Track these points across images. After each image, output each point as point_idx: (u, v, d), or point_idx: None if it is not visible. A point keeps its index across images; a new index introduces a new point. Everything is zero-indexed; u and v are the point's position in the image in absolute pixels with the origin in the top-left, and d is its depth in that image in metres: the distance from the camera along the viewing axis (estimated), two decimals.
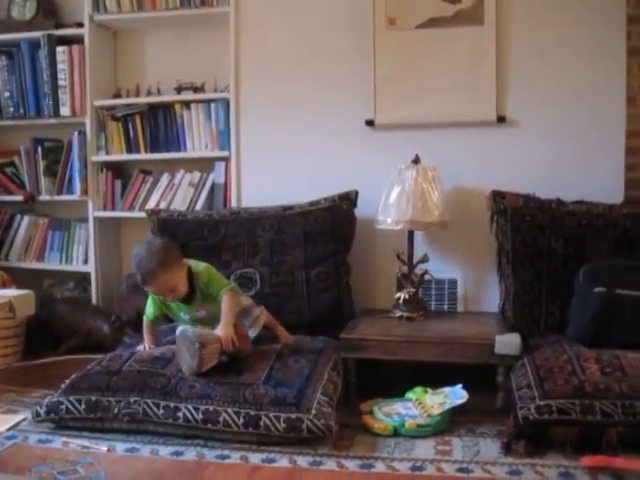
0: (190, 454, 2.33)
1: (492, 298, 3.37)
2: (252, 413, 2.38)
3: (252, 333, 2.85)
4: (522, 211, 3.12)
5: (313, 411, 2.38)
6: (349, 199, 3.36)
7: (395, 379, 2.99)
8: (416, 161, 3.26)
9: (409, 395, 2.72)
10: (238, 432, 2.38)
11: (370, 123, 3.52)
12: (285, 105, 3.64)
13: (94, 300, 3.87)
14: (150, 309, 2.89)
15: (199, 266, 2.84)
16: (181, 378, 2.55)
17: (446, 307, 3.45)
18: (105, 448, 2.38)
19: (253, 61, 3.66)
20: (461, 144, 3.45)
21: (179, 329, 2.70)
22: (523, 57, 3.38)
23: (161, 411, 2.44)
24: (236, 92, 3.67)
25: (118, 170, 3.94)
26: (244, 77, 3.67)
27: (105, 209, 3.89)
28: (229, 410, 2.39)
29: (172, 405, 2.44)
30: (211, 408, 2.41)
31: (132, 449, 2.38)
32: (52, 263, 4.00)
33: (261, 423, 2.36)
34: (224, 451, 2.35)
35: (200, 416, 2.40)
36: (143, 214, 3.63)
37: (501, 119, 3.40)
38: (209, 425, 2.40)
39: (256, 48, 3.65)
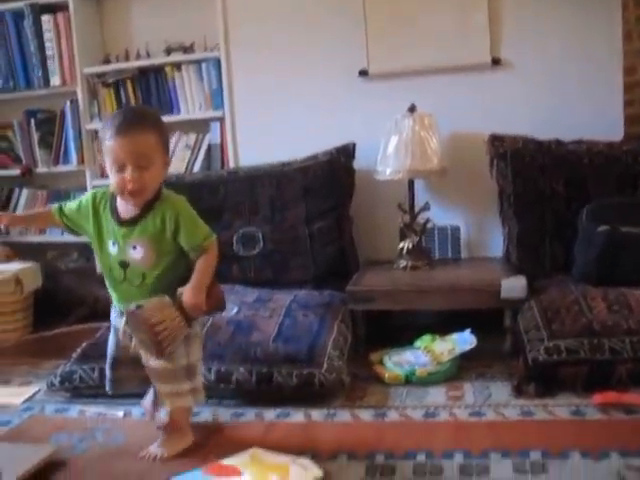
0: (205, 414, 2.36)
1: (496, 243, 3.36)
2: (264, 370, 2.40)
3: None
4: (522, 153, 3.09)
5: (325, 365, 2.40)
6: (347, 152, 3.34)
7: (403, 328, 3.01)
8: (412, 109, 3.22)
9: (418, 343, 2.74)
10: (251, 390, 2.41)
11: (364, 73, 3.47)
12: (277, 61, 3.58)
13: (98, 269, 3.86)
14: (72, 204, 2.11)
15: (176, 195, 2.07)
16: None
17: (450, 254, 3.43)
18: (121, 413, 2.42)
19: (242, 17, 3.58)
20: (456, 89, 3.40)
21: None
22: None
23: None
24: (226, 50, 3.60)
25: None
26: (233, 34, 3.59)
27: (103, 177, 3.85)
28: (241, 369, 2.41)
29: None
30: (223, 369, 2.43)
31: None
32: (54, 235, 3.95)
33: (274, 380, 2.38)
34: (238, 409, 2.39)
35: (213, 376, 2.41)
36: None
37: (496, 61, 3.34)
38: (222, 385, 2.41)
39: (245, 2, 3.58)
